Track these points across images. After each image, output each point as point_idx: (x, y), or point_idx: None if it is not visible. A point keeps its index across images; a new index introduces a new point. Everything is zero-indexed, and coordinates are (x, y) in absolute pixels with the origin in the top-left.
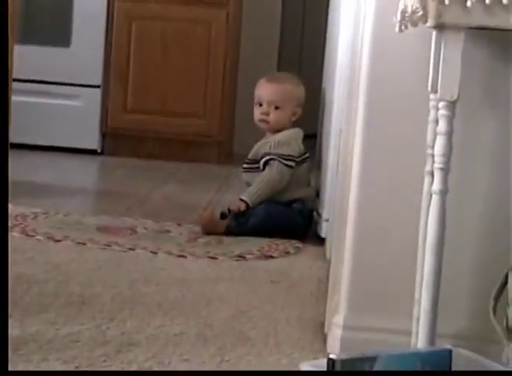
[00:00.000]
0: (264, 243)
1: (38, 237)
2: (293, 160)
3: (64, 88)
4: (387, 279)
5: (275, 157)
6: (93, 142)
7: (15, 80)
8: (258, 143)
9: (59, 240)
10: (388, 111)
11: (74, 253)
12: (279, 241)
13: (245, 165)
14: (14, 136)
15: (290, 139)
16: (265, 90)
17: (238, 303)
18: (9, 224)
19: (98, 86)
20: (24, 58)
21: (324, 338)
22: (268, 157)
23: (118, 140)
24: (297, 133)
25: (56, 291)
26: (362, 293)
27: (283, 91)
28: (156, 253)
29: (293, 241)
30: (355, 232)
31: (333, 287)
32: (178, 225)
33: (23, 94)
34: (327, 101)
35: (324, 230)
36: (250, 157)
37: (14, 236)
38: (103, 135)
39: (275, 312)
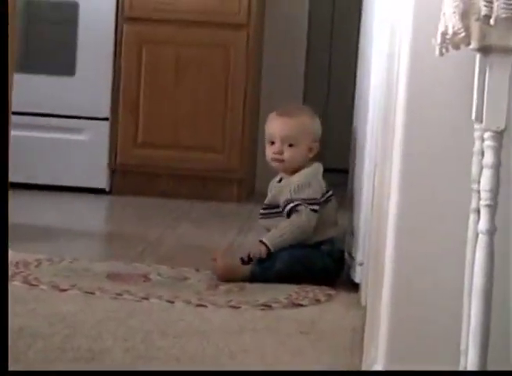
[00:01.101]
0: (291, 290)
1: (42, 287)
2: (318, 203)
3: (68, 121)
4: (429, 328)
5: (302, 202)
6: (101, 181)
7: (14, 113)
8: (274, 185)
9: (64, 290)
10: (428, 144)
11: (82, 303)
12: (308, 288)
13: (262, 211)
14: (13, 175)
15: (311, 179)
16: (276, 126)
17: (264, 356)
18: (9, 272)
19: (106, 118)
20: (23, 88)
21: None
22: (293, 204)
23: (128, 177)
24: (316, 170)
25: (63, 346)
26: (403, 344)
27: (297, 125)
28: (172, 302)
29: (323, 288)
30: (393, 277)
31: (370, 338)
32: (197, 270)
33: (23, 128)
34: (359, 135)
35: (358, 275)
36: (267, 202)
37: (15, 285)
38: (112, 172)
39: (304, 366)
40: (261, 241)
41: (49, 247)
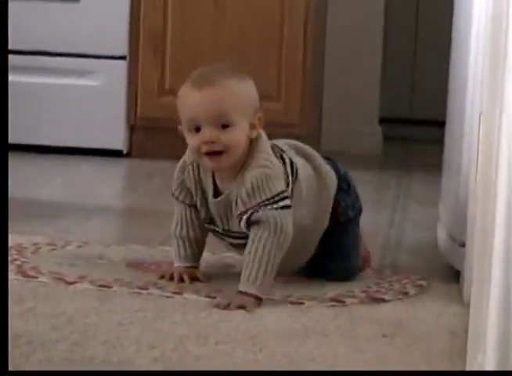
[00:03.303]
0: (371, 280)
1: (42, 279)
2: (286, 196)
3: (75, 61)
4: None
5: (257, 207)
6: (117, 140)
7: (9, 52)
8: (212, 203)
9: (71, 283)
10: None
11: (94, 300)
12: (392, 277)
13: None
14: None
15: (266, 168)
16: (197, 103)
17: (336, 367)
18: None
19: (122, 57)
20: (16, 19)
21: None
22: (246, 215)
23: (151, 136)
24: (265, 147)
25: (70, 356)
26: None
27: (227, 95)
28: (213, 297)
29: (414, 277)
30: (505, 264)
31: (475, 343)
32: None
33: (17, 71)
34: (457, 82)
35: (459, 260)
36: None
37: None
38: (131, 129)
39: None
40: (242, 292)
41: (51, 227)
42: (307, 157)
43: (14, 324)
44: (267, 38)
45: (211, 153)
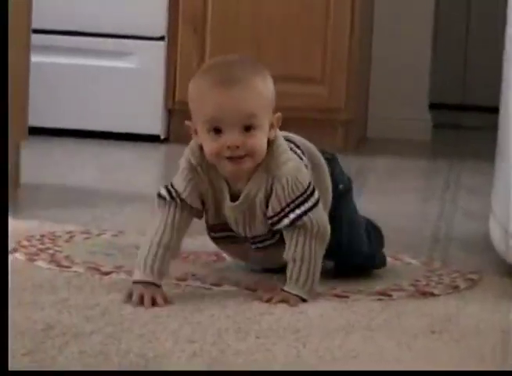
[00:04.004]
0: (419, 273)
1: (76, 269)
2: (314, 189)
3: (112, 42)
4: None
5: (299, 211)
6: (154, 125)
7: (35, 31)
8: (228, 207)
9: (106, 273)
10: None
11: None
12: (442, 270)
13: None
14: (35, 117)
15: (294, 162)
16: (221, 102)
17: (382, 364)
18: (33, 249)
19: (161, 38)
20: (56, 1)
21: None
22: (286, 218)
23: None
24: (284, 143)
25: (105, 349)
26: None
27: (253, 95)
28: (254, 290)
29: (464, 271)
30: None
31: None
32: None
33: (47, 52)
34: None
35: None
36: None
37: (39, 267)
38: (169, 113)
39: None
40: (288, 292)
41: (85, 214)
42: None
43: (47, 314)
44: (311, 19)
45: (235, 159)
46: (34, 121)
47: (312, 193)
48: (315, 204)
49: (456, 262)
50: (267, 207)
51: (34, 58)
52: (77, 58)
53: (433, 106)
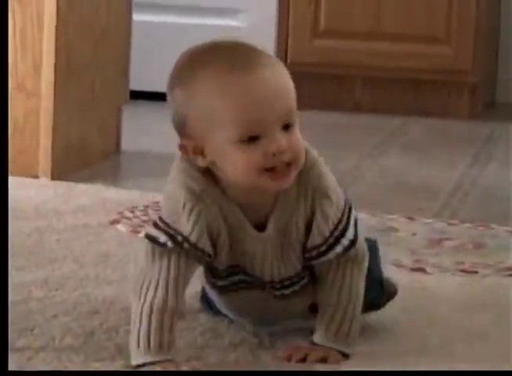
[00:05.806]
0: None
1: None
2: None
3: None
4: None
5: (349, 236)
6: None
7: None
8: (248, 238)
9: None
10: None
11: None
12: None
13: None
14: (132, 80)
15: (327, 178)
16: (252, 98)
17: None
18: (136, 221)
19: None
20: None
21: None
22: (334, 249)
23: (305, 82)
24: (314, 152)
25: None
26: None
27: (288, 85)
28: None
29: None
30: None
31: None
32: (410, 219)
33: (148, 10)
34: None
35: None
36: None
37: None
38: None
39: None
40: (323, 346)
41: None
42: None
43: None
44: None
45: (283, 171)
46: (134, 85)
47: (350, 208)
48: (356, 221)
49: None
50: (307, 233)
51: (135, 16)
52: (180, 16)
53: None
